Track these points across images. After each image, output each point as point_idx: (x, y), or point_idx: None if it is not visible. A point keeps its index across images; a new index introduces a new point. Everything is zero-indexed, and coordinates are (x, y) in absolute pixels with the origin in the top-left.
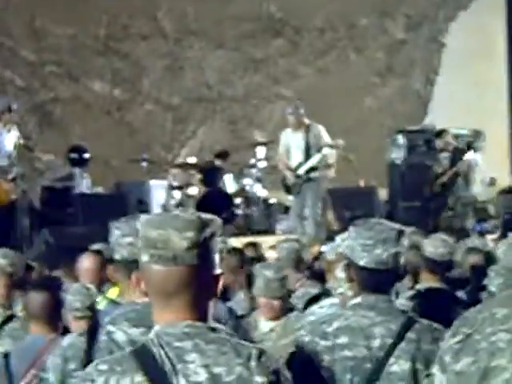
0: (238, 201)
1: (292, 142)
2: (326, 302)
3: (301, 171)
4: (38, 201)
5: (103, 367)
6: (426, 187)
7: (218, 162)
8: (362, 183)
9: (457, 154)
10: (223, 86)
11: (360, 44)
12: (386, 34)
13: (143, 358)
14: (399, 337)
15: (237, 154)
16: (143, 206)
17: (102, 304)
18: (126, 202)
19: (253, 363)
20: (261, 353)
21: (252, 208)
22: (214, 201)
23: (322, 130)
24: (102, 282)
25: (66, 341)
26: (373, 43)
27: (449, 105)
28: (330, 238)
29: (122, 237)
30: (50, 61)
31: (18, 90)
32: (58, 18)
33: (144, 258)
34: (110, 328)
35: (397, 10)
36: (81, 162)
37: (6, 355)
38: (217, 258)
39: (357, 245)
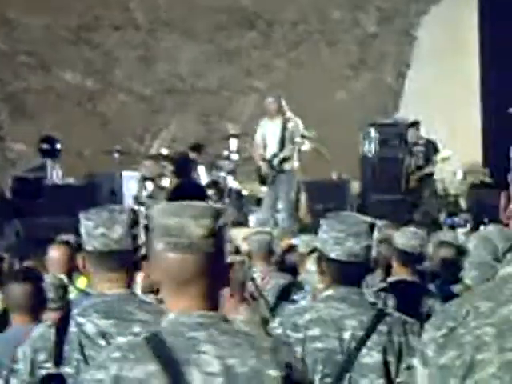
0: (210, 193)
1: (268, 130)
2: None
3: (275, 162)
4: (9, 191)
5: (116, 354)
6: (400, 181)
7: (192, 155)
8: (334, 176)
9: (430, 147)
10: (196, 78)
11: (332, 37)
12: (359, 27)
13: (156, 346)
14: (370, 329)
15: (209, 146)
16: (115, 197)
17: (72, 294)
18: (97, 193)
19: (266, 356)
20: (275, 346)
21: (224, 200)
22: (187, 192)
23: (299, 124)
24: (71, 272)
25: (36, 331)
26: (345, 36)
27: (420, 98)
28: (302, 230)
29: (93, 228)
30: (22, 51)
31: None
32: (30, 7)
33: (159, 246)
34: (80, 319)
35: (369, 3)
36: (52, 153)
37: None
38: (228, 247)
39: (329, 238)
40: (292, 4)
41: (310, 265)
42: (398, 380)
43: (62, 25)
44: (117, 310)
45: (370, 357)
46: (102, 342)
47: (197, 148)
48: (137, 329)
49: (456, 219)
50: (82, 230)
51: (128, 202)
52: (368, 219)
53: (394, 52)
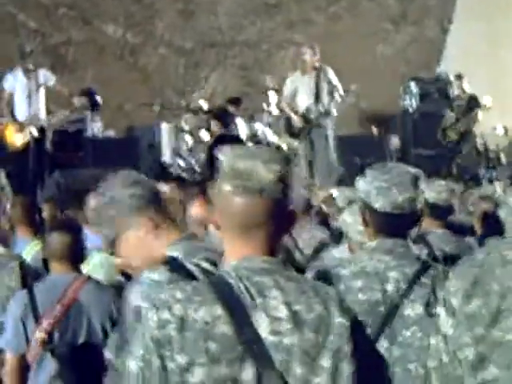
0: (249, 145)
1: (301, 85)
2: (335, 250)
3: (311, 115)
4: (50, 144)
5: (180, 295)
6: (439, 135)
7: (230, 108)
8: (374, 131)
9: (471, 102)
10: (235, 32)
11: None
12: None
13: (221, 289)
14: (413, 281)
15: (248, 100)
16: (154, 151)
17: None
18: (136, 146)
19: (332, 304)
20: (338, 295)
21: None
22: (226, 145)
23: (332, 73)
24: None
25: None
26: None
27: (463, 54)
28: (340, 182)
29: None
30: (64, 3)
31: (31, 32)
32: None
33: (226, 188)
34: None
35: None
36: (93, 106)
37: (31, 290)
38: (292, 195)
39: (372, 188)
40: None
41: (347, 216)
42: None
43: None
44: None
45: (412, 309)
46: None
47: (235, 101)
48: None
49: (494, 173)
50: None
51: (167, 154)
52: (413, 170)
53: (436, 6)
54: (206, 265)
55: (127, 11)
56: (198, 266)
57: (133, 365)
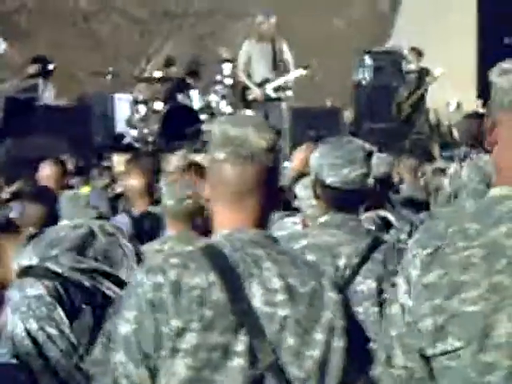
0: (203, 117)
1: (256, 53)
2: (287, 221)
3: (268, 88)
4: (1, 111)
5: (175, 261)
6: (393, 109)
7: (189, 79)
8: (327, 103)
9: (422, 75)
10: (189, 2)
11: None
12: None
13: (216, 257)
14: (365, 257)
15: (203, 70)
16: (107, 120)
17: None
18: (89, 114)
19: (325, 280)
20: (330, 272)
21: None
22: (180, 116)
23: (286, 46)
24: (62, 189)
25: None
26: None
27: (414, 26)
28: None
29: None
30: None
31: None
32: None
33: (219, 155)
34: None
35: None
36: (45, 73)
37: None
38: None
39: (324, 163)
40: None
41: (300, 190)
42: (383, 297)
43: None
44: None
45: (364, 284)
46: None
47: (193, 73)
48: None
49: (456, 152)
50: None
51: (120, 124)
52: (366, 146)
53: None
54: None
55: None
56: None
57: (124, 328)
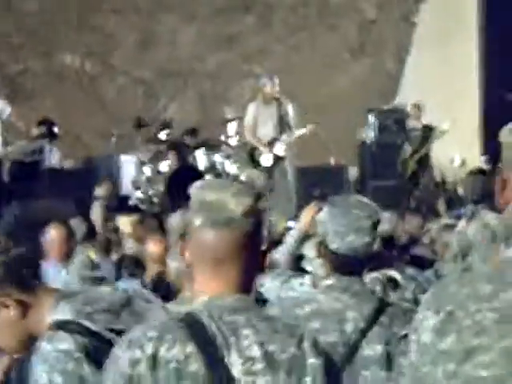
0: (208, 177)
1: (262, 115)
2: (294, 282)
3: (278, 147)
4: (6, 174)
5: (152, 334)
6: (397, 166)
7: (187, 139)
8: (332, 162)
9: (427, 132)
10: (195, 62)
11: (332, 21)
12: (358, 11)
13: (194, 327)
14: (372, 320)
15: (207, 131)
16: (112, 181)
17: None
18: (95, 176)
19: (306, 344)
20: (313, 334)
21: None
22: (185, 177)
23: (290, 106)
24: (68, 253)
25: None
26: (344, 21)
27: (419, 84)
28: (298, 215)
29: None
30: (22, 33)
31: None
32: None
33: (196, 221)
34: None
35: None
36: (50, 136)
37: None
38: (265, 233)
39: (330, 229)
40: None
41: (309, 250)
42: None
43: (62, 7)
44: None
45: (371, 349)
46: None
47: (191, 132)
48: None
49: (462, 210)
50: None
51: (126, 186)
52: (372, 213)
53: (393, 37)
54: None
55: (85, 41)
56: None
57: None
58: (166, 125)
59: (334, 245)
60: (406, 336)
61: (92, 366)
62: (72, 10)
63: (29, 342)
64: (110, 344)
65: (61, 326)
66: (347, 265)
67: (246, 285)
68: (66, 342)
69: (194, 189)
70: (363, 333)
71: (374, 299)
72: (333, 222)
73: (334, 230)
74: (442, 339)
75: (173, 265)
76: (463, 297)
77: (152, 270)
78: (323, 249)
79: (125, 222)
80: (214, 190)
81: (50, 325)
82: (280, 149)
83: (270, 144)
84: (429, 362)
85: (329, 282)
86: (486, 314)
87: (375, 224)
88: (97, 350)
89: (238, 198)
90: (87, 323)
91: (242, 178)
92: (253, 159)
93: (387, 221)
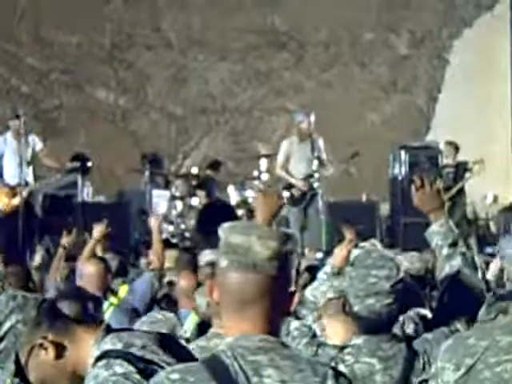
0: (240, 212)
1: (297, 152)
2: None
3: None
4: (40, 208)
5: (175, 376)
6: None
7: (209, 172)
8: (363, 198)
9: (460, 169)
10: (227, 98)
11: (364, 59)
12: (390, 49)
13: (216, 368)
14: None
15: (239, 166)
16: (145, 216)
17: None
18: (127, 211)
19: (329, 383)
20: (337, 373)
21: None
22: (217, 212)
23: (322, 142)
24: (105, 289)
25: None
26: (376, 58)
27: (451, 122)
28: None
29: None
30: (56, 68)
31: (23, 96)
32: (63, 25)
33: (223, 263)
34: None
35: (401, 26)
36: (83, 171)
37: None
38: (293, 274)
39: (350, 291)
40: (324, 25)
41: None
42: None
43: (95, 43)
44: None
45: None
46: None
47: (214, 165)
48: None
49: (496, 247)
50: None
51: None
52: (393, 275)
53: (425, 75)
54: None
55: (119, 76)
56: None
57: None
58: (213, 165)
59: (355, 307)
60: (423, 382)
61: None
62: (105, 45)
63: (73, 381)
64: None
65: (113, 354)
66: (371, 327)
67: (272, 326)
68: (122, 367)
69: (222, 230)
70: None
71: (401, 360)
72: (352, 285)
73: (354, 294)
74: None
75: (200, 301)
76: (482, 349)
77: (183, 305)
78: (348, 307)
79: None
80: (241, 232)
81: (97, 356)
82: (315, 185)
83: (305, 180)
84: None
85: (357, 341)
86: (506, 365)
87: (395, 284)
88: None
89: (263, 241)
90: (140, 352)
91: None
92: (291, 195)
93: (418, 260)
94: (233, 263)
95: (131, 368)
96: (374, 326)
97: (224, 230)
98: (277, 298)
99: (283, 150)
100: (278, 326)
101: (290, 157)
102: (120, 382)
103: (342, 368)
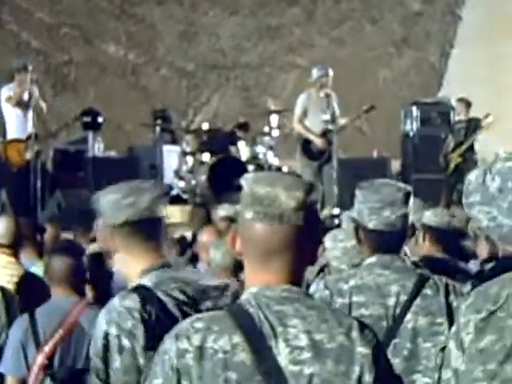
0: (250, 168)
1: (314, 105)
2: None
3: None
4: (51, 163)
5: (199, 325)
6: (441, 161)
7: (239, 133)
8: (374, 154)
9: (471, 125)
10: (237, 54)
11: (375, 15)
12: (402, 5)
13: (241, 318)
14: (414, 293)
15: (250, 122)
16: (155, 171)
17: None
18: (137, 166)
19: (354, 333)
20: (362, 325)
21: None
22: (227, 167)
23: (335, 97)
24: None
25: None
26: (388, 14)
27: (464, 78)
28: (341, 206)
29: (122, 199)
30: (66, 23)
31: (34, 51)
32: None
33: (248, 215)
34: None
35: None
36: (94, 126)
37: (32, 314)
38: (318, 224)
39: (364, 208)
40: None
41: (327, 241)
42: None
43: None
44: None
45: (415, 321)
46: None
47: (244, 126)
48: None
49: None
50: (106, 206)
51: (168, 176)
52: (402, 186)
53: (437, 31)
54: (179, 295)
55: (129, 31)
56: (170, 296)
57: None
58: (243, 125)
59: (371, 223)
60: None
61: (148, 334)
62: (115, 0)
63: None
64: (174, 322)
65: (137, 289)
66: (387, 242)
67: (296, 277)
68: (133, 302)
69: (246, 181)
70: (406, 306)
71: (415, 274)
72: (366, 201)
73: (369, 207)
74: (482, 338)
75: (214, 254)
76: (504, 298)
77: (204, 259)
78: (361, 231)
79: (173, 212)
80: (266, 183)
81: (132, 286)
82: (331, 139)
83: (323, 136)
84: (468, 361)
85: (371, 260)
86: None
87: (408, 195)
88: (160, 321)
89: (289, 191)
90: (161, 295)
91: (284, 169)
92: (306, 151)
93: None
94: (258, 214)
95: (137, 306)
96: (390, 240)
97: (248, 180)
98: (302, 248)
99: (301, 104)
100: (301, 277)
101: (307, 111)
102: (122, 314)
103: (356, 282)
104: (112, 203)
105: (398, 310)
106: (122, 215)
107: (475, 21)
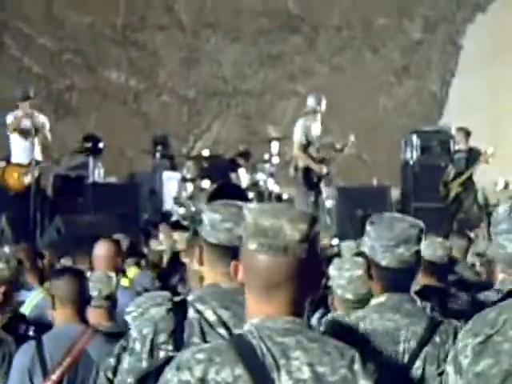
0: (250, 195)
1: (312, 131)
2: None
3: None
4: (51, 189)
5: (201, 356)
6: (441, 190)
7: (240, 161)
8: (375, 182)
9: (472, 155)
10: (239, 81)
11: (376, 43)
12: (403, 33)
13: (243, 349)
14: (424, 340)
15: (250, 149)
16: (155, 197)
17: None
18: (138, 192)
19: (357, 366)
20: (361, 355)
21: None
22: (227, 194)
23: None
24: (117, 270)
25: (157, 313)
26: (389, 43)
27: (464, 107)
28: (340, 235)
29: (221, 222)
30: (68, 49)
31: (35, 77)
32: (75, 5)
33: (251, 246)
34: (199, 306)
35: (414, 11)
36: (95, 152)
37: (39, 341)
38: (320, 256)
39: (378, 245)
40: (336, 9)
41: (332, 269)
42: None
43: (108, 24)
44: (233, 302)
45: (423, 369)
46: (222, 331)
47: (244, 155)
48: None
49: None
50: (206, 222)
51: (168, 202)
52: (415, 223)
53: (438, 60)
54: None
55: (130, 58)
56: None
57: None
58: (244, 154)
59: (384, 261)
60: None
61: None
62: (117, 26)
63: None
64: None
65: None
66: (398, 280)
67: (298, 308)
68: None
69: (249, 212)
70: (415, 353)
71: (425, 318)
72: (380, 237)
73: (383, 244)
74: (479, 362)
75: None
76: (502, 322)
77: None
78: (373, 267)
79: (180, 239)
80: (270, 214)
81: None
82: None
83: (322, 163)
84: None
85: (380, 299)
86: None
87: (421, 231)
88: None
89: (294, 224)
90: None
91: (284, 196)
92: (307, 179)
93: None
94: (263, 246)
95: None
96: (401, 277)
97: (251, 211)
98: (305, 280)
99: (300, 129)
100: (303, 309)
101: (307, 136)
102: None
103: (366, 325)
104: (212, 222)
105: (406, 356)
106: (217, 236)
107: (476, 48)
